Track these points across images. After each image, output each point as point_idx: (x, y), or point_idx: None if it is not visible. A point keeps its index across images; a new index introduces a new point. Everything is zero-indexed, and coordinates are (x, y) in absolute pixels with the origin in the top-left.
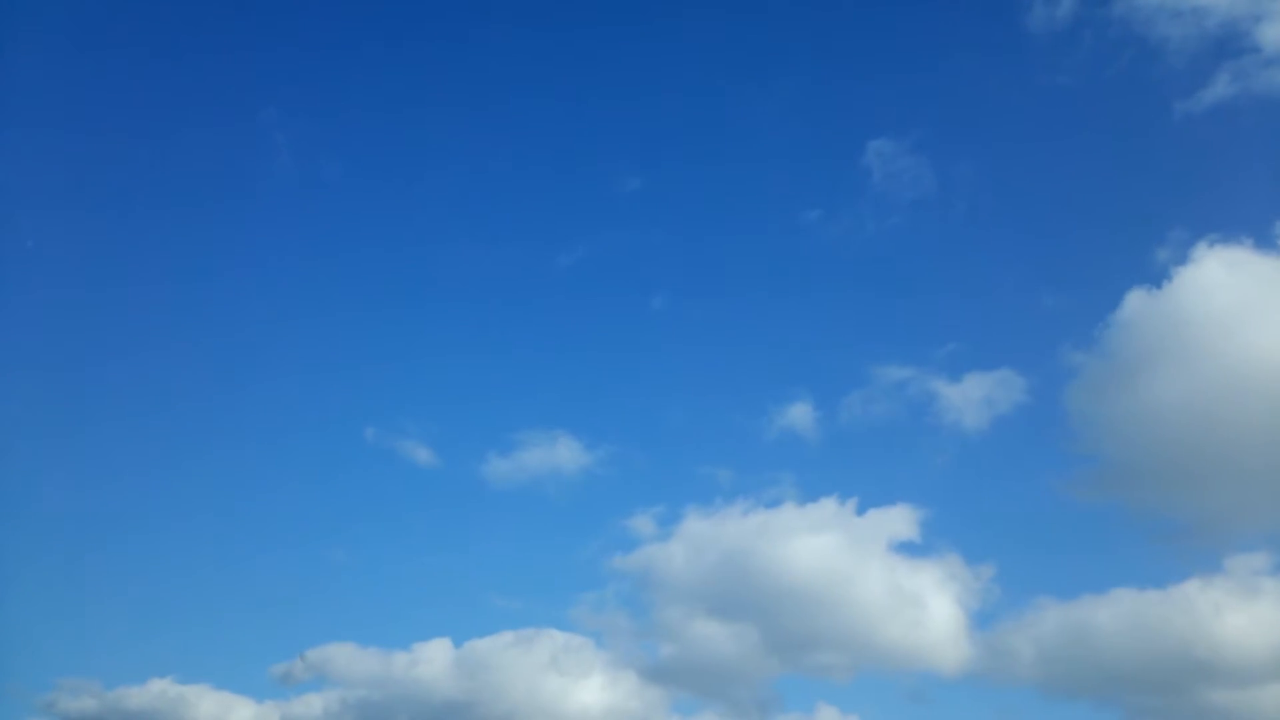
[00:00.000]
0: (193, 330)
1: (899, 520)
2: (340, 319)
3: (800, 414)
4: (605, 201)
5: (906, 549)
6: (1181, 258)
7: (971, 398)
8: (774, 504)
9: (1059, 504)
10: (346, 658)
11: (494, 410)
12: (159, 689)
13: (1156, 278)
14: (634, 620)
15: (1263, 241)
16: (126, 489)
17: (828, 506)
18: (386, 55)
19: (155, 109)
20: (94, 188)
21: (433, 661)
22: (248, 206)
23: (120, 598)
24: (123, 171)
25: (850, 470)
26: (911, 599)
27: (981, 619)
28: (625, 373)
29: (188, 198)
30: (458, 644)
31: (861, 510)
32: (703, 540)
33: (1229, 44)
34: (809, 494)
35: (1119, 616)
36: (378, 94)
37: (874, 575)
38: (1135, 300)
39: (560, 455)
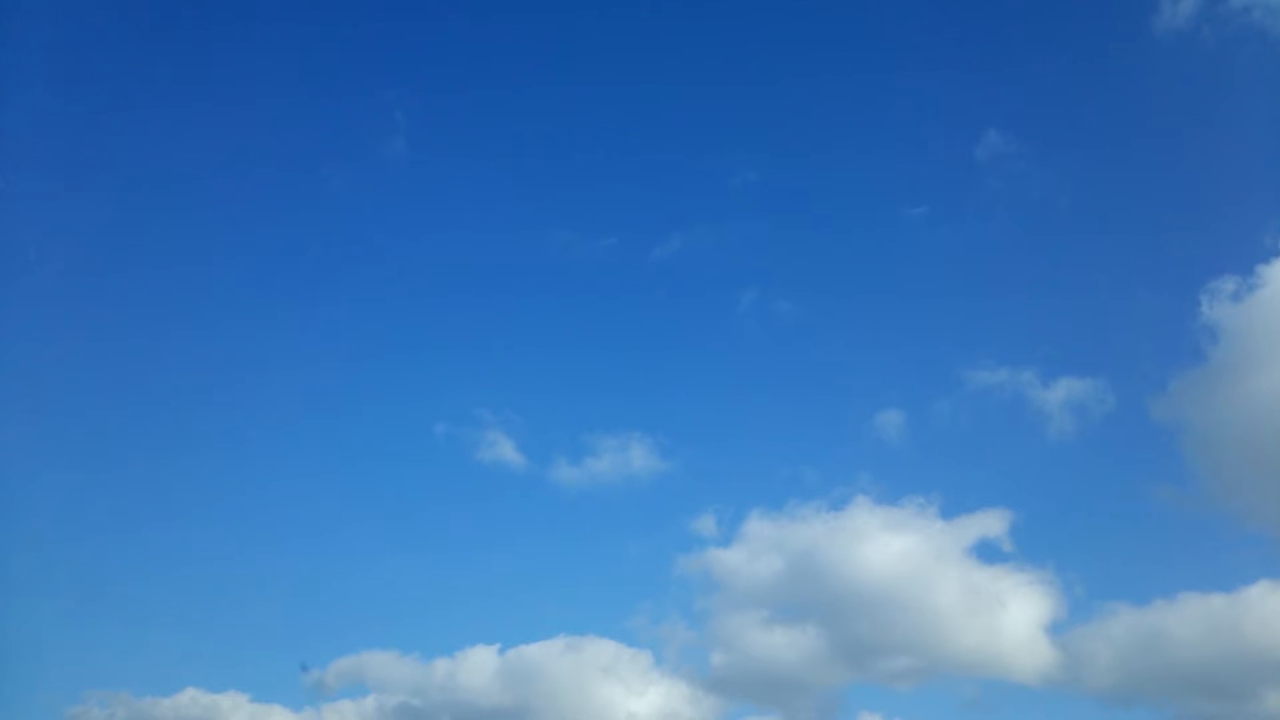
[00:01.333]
0: (252, 312)
1: (980, 524)
2: (417, 305)
3: (888, 415)
4: (705, 194)
5: (985, 553)
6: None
7: (1061, 402)
8: (852, 507)
9: (1143, 508)
10: (382, 664)
11: (571, 409)
12: (190, 697)
13: (1249, 282)
14: (692, 626)
15: None
16: (160, 494)
17: (908, 509)
18: (493, 32)
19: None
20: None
21: (477, 668)
22: (355, 185)
23: (150, 606)
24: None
25: (934, 473)
26: (987, 604)
27: (1057, 625)
28: (708, 371)
29: (297, 168)
30: (504, 650)
31: (944, 514)
32: (771, 543)
33: None
34: (891, 496)
35: (1187, 621)
36: (482, 74)
37: (951, 580)
38: (1227, 305)
39: (633, 456)
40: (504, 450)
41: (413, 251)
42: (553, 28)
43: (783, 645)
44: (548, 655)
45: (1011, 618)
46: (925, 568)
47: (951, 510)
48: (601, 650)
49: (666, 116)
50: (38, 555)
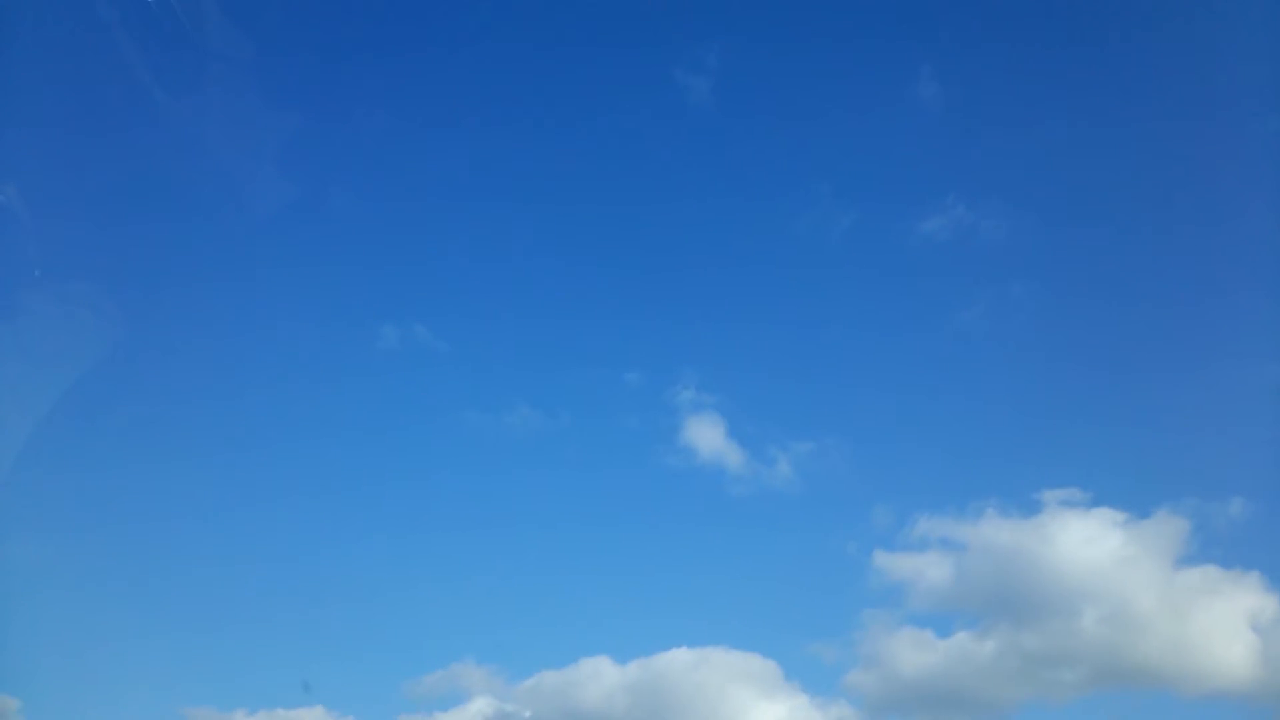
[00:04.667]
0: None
1: (1175, 522)
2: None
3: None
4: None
5: (1182, 554)
6: None
7: None
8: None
9: None
10: (483, 675)
11: (768, 406)
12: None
13: None
14: (835, 636)
15: None
16: (266, 509)
17: (1096, 509)
18: None
19: None
20: None
21: (594, 679)
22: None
23: (250, 622)
24: None
25: (1138, 475)
26: (1182, 608)
27: (1260, 630)
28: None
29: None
30: (622, 661)
31: (1134, 512)
32: (936, 546)
33: None
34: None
35: None
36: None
37: (1154, 587)
38: None
39: (822, 457)
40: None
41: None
42: None
43: (941, 657)
44: (672, 666)
45: (1210, 623)
46: (1124, 575)
47: (1142, 507)
48: (734, 661)
49: None
50: (132, 576)
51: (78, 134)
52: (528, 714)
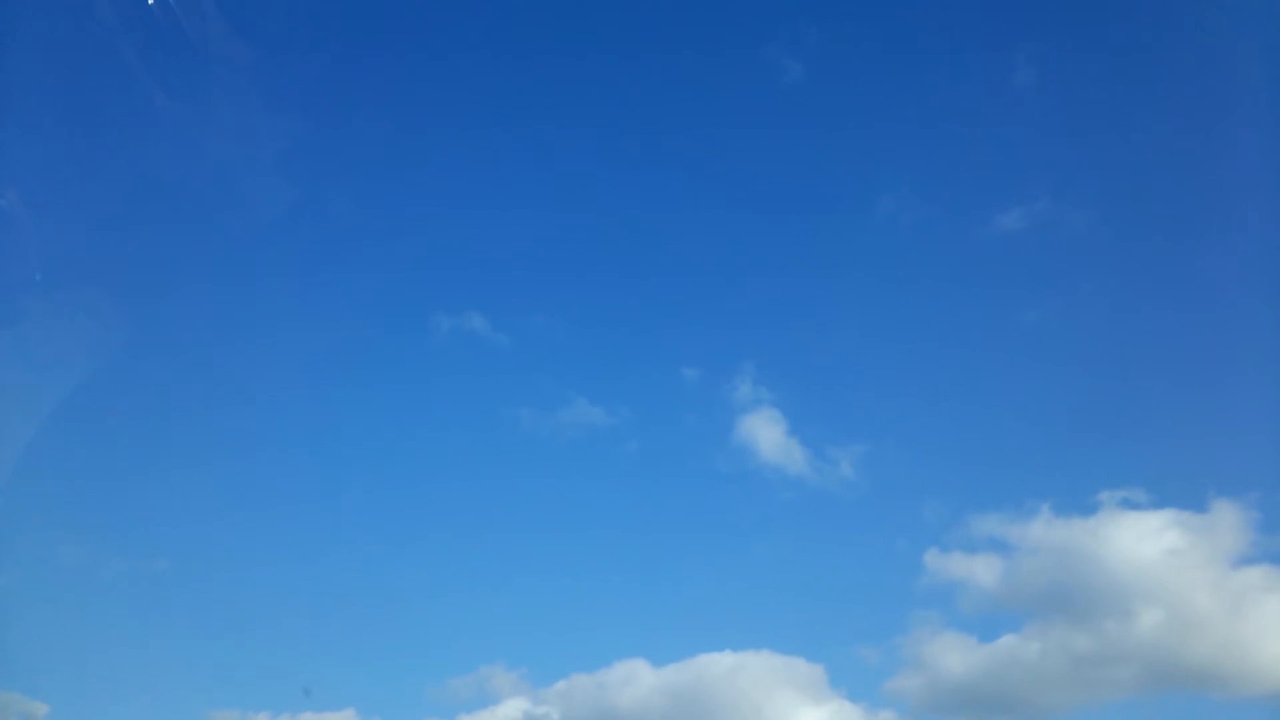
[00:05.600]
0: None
1: (1244, 528)
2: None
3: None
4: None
5: (1253, 558)
6: None
7: None
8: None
9: None
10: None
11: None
12: None
13: None
14: (882, 641)
15: None
16: (288, 512)
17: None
18: None
19: None
20: None
21: (630, 683)
22: None
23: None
24: None
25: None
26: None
27: None
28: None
29: None
30: (660, 664)
31: (1203, 513)
32: (990, 547)
33: None
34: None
35: None
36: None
37: (1210, 587)
38: None
39: (878, 458)
40: None
41: None
42: None
43: (989, 659)
44: (711, 670)
45: (1268, 623)
46: (1182, 572)
47: (1200, 506)
48: (775, 665)
49: None
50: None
51: (79, 139)
52: (556, 716)
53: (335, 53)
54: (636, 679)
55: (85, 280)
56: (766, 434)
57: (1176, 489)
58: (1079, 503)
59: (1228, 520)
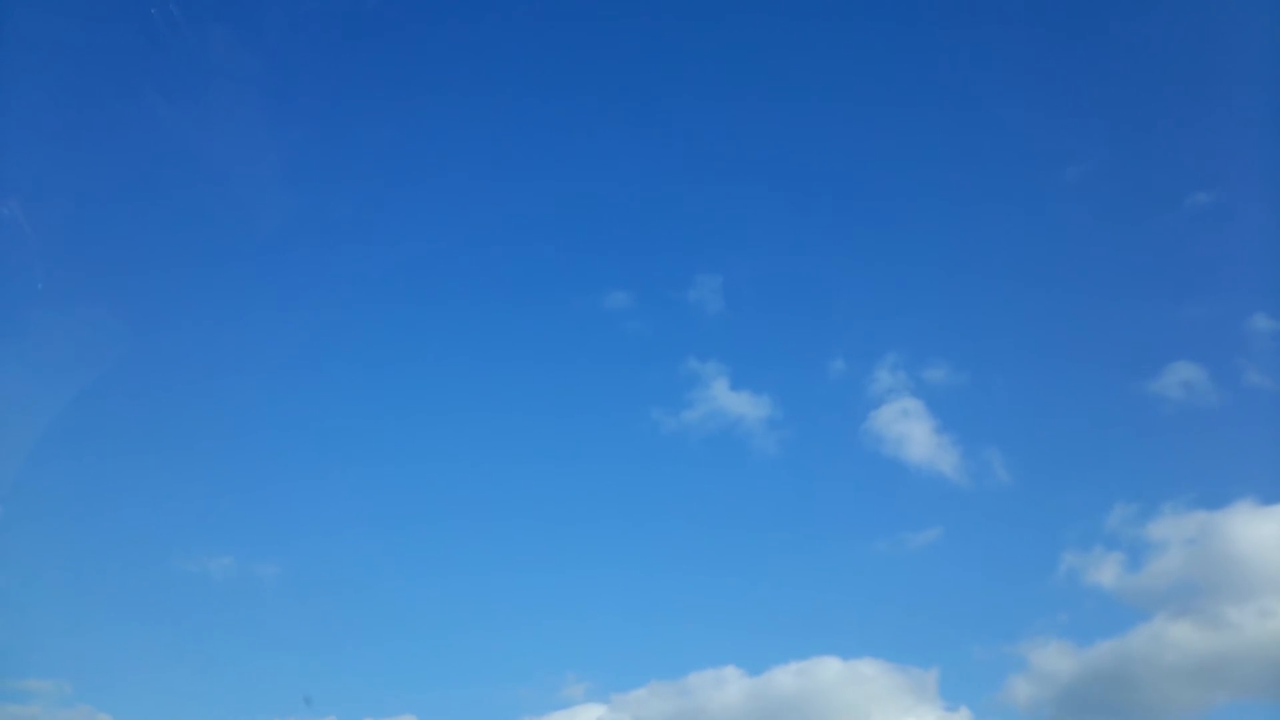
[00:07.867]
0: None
1: None
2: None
3: None
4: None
5: None
6: None
7: None
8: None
9: None
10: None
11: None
12: None
13: None
14: (988, 648)
15: None
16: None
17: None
18: None
19: None
20: None
21: (724, 690)
22: None
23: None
24: None
25: None
26: None
27: None
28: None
29: None
30: (753, 673)
31: None
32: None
33: None
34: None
35: None
36: None
37: None
38: None
39: (1015, 456)
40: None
41: None
42: None
43: (1112, 659)
44: (807, 680)
45: None
46: None
47: None
48: (876, 671)
49: None
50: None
51: (82, 147)
52: None
53: (339, 53)
54: (727, 686)
55: (89, 285)
56: (909, 430)
57: None
58: (1215, 497)
59: None
